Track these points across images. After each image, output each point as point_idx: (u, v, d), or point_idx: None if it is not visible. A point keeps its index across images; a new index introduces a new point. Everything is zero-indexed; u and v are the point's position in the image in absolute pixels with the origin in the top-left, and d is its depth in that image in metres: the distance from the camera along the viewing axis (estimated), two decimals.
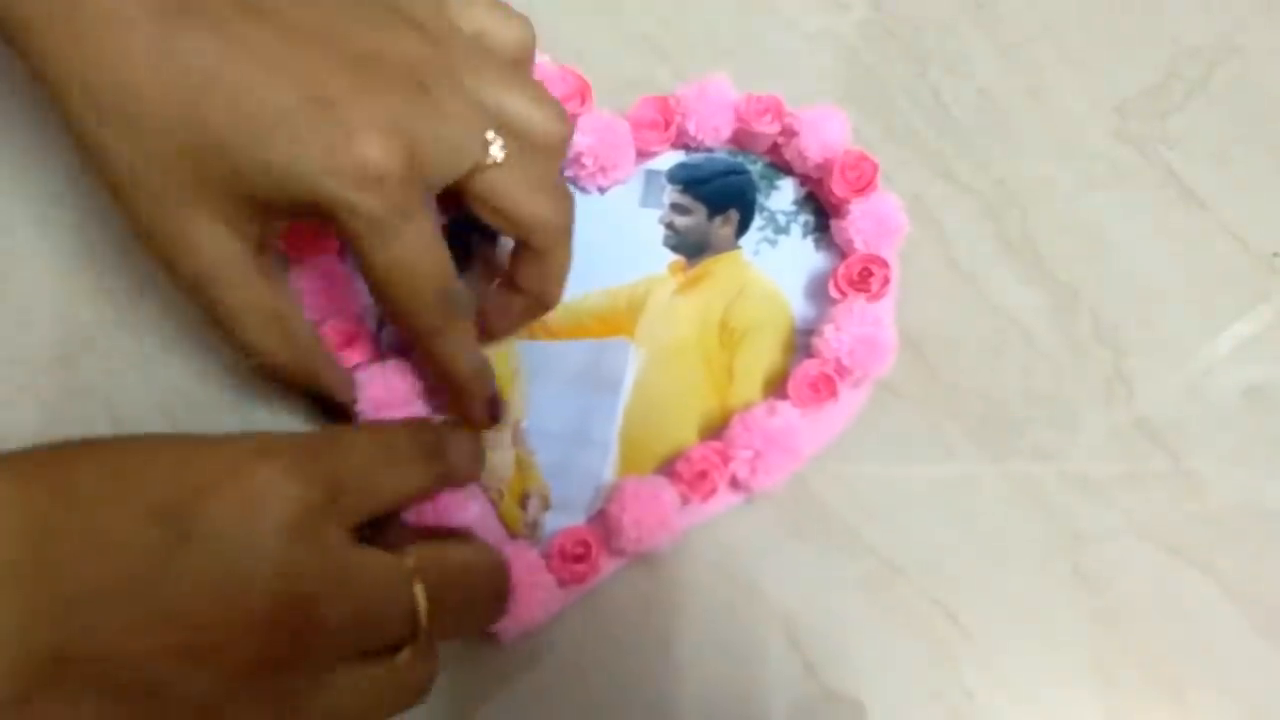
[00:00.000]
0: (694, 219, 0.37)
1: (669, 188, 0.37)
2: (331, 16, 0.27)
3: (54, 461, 0.24)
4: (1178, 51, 0.40)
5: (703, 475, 0.32)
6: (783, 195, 0.37)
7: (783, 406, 0.33)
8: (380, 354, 0.35)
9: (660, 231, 0.37)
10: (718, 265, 0.37)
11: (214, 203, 0.27)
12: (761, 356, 0.35)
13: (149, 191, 0.27)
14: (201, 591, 0.23)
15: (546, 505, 0.33)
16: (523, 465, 0.34)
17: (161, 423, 0.35)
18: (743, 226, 0.37)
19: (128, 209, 0.27)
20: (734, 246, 0.37)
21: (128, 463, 0.24)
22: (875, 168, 0.35)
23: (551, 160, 0.30)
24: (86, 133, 0.26)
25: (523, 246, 0.30)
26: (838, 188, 0.35)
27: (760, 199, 0.37)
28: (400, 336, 0.34)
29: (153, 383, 0.36)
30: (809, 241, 0.37)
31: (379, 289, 0.28)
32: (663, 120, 0.36)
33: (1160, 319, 0.36)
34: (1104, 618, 0.32)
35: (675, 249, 0.37)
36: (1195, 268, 0.37)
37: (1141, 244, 0.37)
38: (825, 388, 0.33)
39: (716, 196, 0.37)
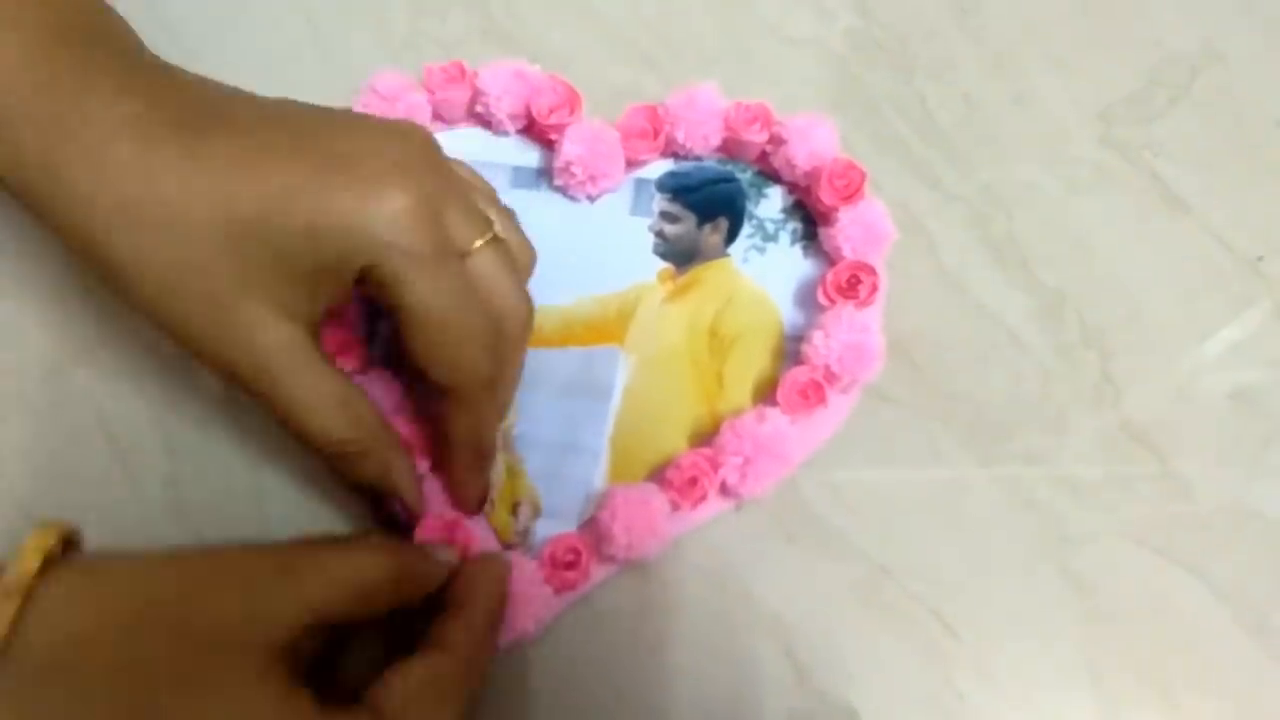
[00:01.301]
0: (683, 227, 0.37)
1: (658, 196, 0.38)
2: (336, 124, 0.29)
3: None
4: (1161, 58, 0.41)
5: (693, 482, 0.32)
6: (771, 203, 0.38)
7: (772, 413, 0.33)
8: (369, 364, 0.35)
9: (650, 239, 0.37)
10: (707, 273, 0.37)
11: (262, 290, 0.27)
12: (751, 363, 0.35)
13: (196, 295, 0.27)
14: None
15: (537, 513, 0.34)
16: (513, 473, 0.34)
17: (153, 435, 0.35)
18: (732, 234, 0.37)
19: (172, 319, 0.27)
20: (723, 254, 0.37)
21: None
22: (863, 175, 0.35)
23: (522, 277, 0.31)
24: (115, 251, 0.26)
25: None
26: (826, 195, 0.35)
27: (749, 207, 0.38)
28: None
29: (145, 394, 0.36)
30: (798, 249, 0.37)
31: (429, 334, 0.27)
32: (652, 129, 0.37)
33: (1147, 323, 0.36)
34: (1094, 619, 0.33)
35: (665, 257, 0.37)
36: (1181, 272, 0.37)
37: (1127, 248, 0.37)
38: (814, 394, 0.33)
39: (706, 204, 0.38)
